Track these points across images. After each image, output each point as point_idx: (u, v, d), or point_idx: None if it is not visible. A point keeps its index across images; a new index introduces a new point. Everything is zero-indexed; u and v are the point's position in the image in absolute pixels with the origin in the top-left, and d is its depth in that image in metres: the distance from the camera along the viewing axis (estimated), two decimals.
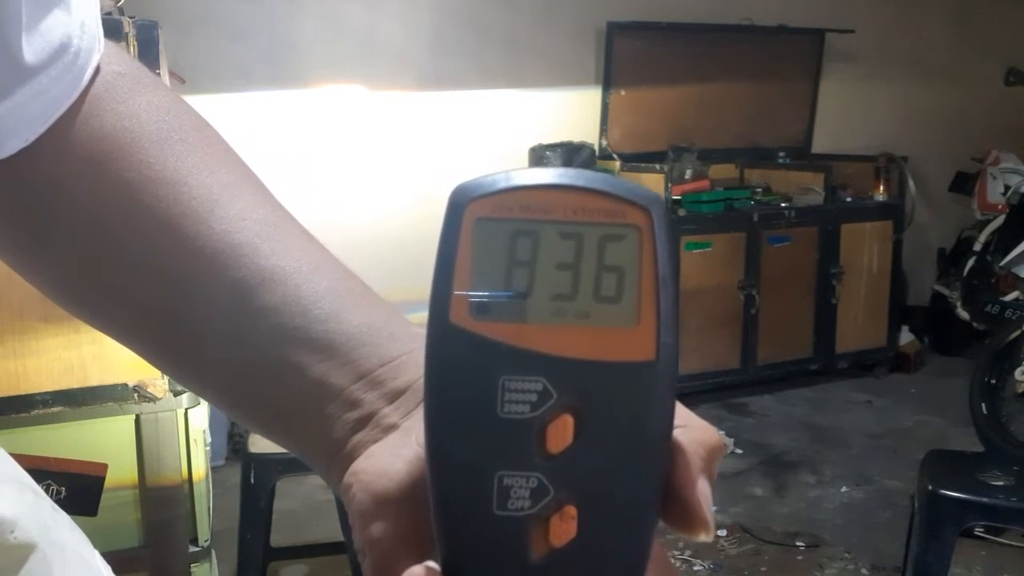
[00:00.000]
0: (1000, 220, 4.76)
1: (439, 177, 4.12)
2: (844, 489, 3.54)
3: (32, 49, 0.43)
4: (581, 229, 0.32)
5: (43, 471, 1.76)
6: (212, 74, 3.88)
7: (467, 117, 4.48)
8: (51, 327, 1.80)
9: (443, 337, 0.31)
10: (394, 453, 0.37)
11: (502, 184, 0.32)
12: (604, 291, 0.32)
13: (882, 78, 5.44)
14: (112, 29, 1.73)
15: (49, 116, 0.44)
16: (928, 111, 5.55)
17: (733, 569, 2.95)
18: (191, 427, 1.93)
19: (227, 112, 3.83)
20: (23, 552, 0.44)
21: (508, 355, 0.31)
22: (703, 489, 0.32)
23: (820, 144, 5.36)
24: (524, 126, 4.56)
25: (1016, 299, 4.59)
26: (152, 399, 1.86)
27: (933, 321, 5.27)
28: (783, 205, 4.67)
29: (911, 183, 4.96)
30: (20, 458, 0.50)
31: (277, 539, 2.48)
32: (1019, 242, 4.49)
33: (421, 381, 0.33)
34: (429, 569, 0.32)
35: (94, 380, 1.85)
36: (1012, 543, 2.99)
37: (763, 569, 2.95)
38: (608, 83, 4.71)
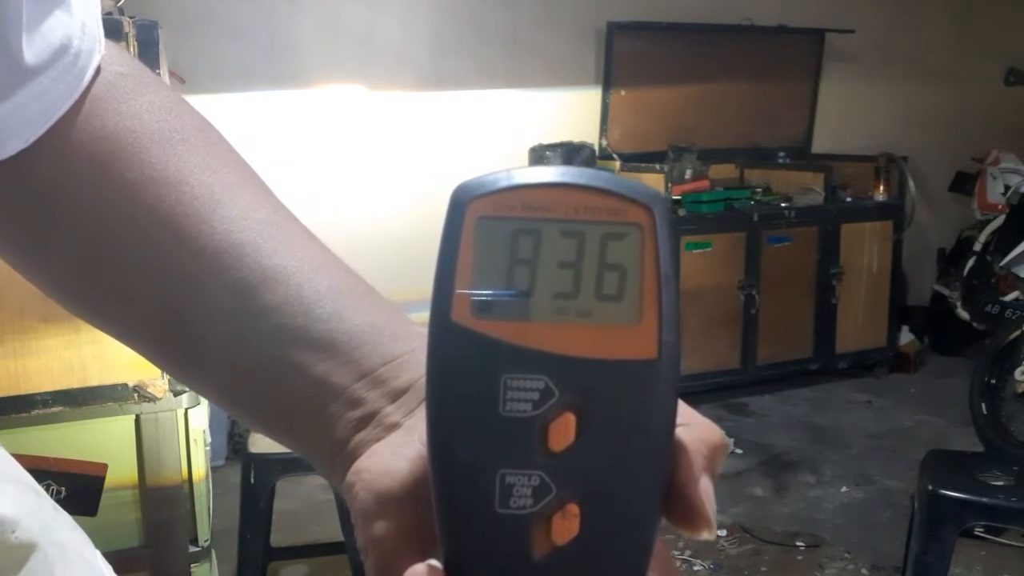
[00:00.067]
0: (1000, 220, 4.76)
1: (439, 177, 4.12)
2: (844, 489, 3.54)
3: (32, 50, 0.43)
4: (583, 227, 0.32)
5: (43, 471, 1.76)
6: (212, 74, 3.88)
7: (467, 117, 4.48)
8: (51, 327, 1.80)
9: (445, 336, 0.31)
10: (396, 452, 0.37)
11: (504, 183, 0.32)
12: (606, 289, 0.32)
13: (882, 78, 5.44)
14: (112, 29, 1.73)
15: (49, 117, 0.44)
16: (928, 111, 5.55)
17: (733, 569, 2.95)
18: (191, 427, 1.93)
19: (227, 112, 3.83)
20: (24, 552, 0.44)
21: (510, 353, 0.31)
22: (706, 487, 0.32)
23: (820, 144, 5.36)
24: (524, 126, 4.56)
25: (1016, 299, 4.59)
26: (152, 399, 1.86)
27: (933, 321, 5.27)
28: (783, 205, 4.67)
29: (911, 183, 4.96)
30: (20, 458, 0.50)
31: (277, 539, 2.48)
32: (1019, 242, 4.49)
33: (423, 380, 0.33)
34: (431, 567, 0.32)
35: (94, 380, 1.85)
36: (1012, 543, 2.99)
37: (763, 569, 2.95)
38: (608, 83, 4.71)
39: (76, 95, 0.45)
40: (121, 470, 1.88)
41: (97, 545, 0.51)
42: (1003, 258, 4.54)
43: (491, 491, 0.31)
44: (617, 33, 4.62)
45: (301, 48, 4.15)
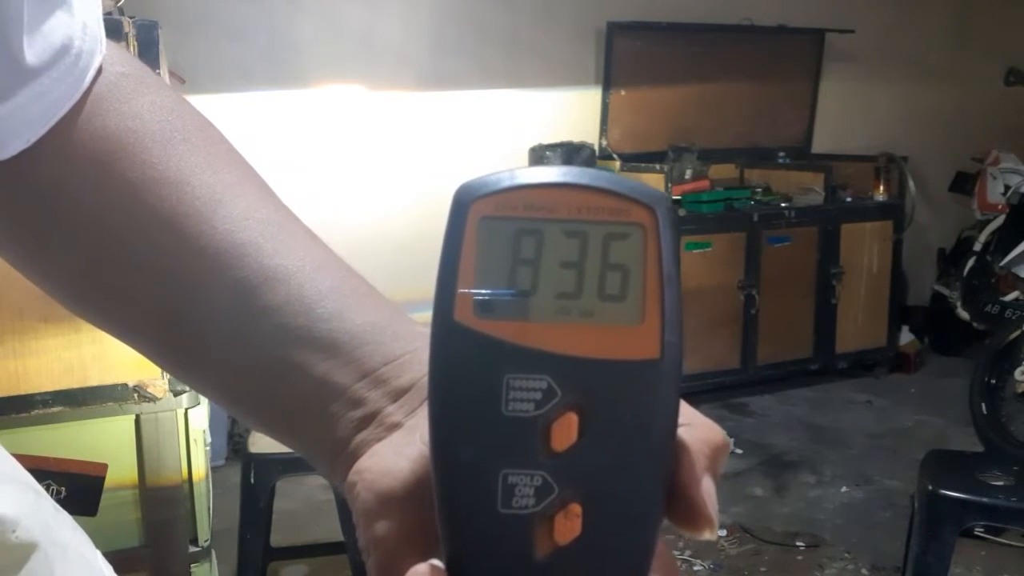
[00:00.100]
0: (1000, 220, 4.76)
1: (439, 177, 4.12)
2: (844, 489, 3.54)
3: (34, 50, 0.43)
4: (585, 227, 0.32)
5: (43, 471, 1.76)
6: (212, 74, 3.88)
7: (467, 117, 4.48)
8: (51, 327, 1.80)
9: (447, 336, 0.31)
10: (398, 452, 0.37)
11: (506, 183, 0.32)
12: (608, 289, 0.32)
13: (882, 78, 5.44)
14: (112, 29, 1.73)
15: (51, 117, 0.44)
16: (928, 111, 5.55)
17: (733, 569, 2.95)
18: (191, 427, 1.93)
19: (227, 112, 3.83)
20: (25, 551, 0.44)
21: (512, 353, 0.31)
22: (708, 487, 0.32)
23: (820, 144, 5.36)
24: (524, 126, 4.56)
25: (1016, 299, 4.59)
26: (152, 399, 1.86)
27: (933, 321, 5.27)
28: (783, 205, 4.67)
29: (911, 183, 4.96)
30: (20, 458, 0.50)
31: (277, 539, 2.48)
32: (1019, 242, 4.49)
33: (425, 379, 0.33)
34: (433, 567, 0.32)
35: (94, 380, 1.85)
36: (1012, 543, 2.99)
37: (763, 569, 2.95)
38: (608, 83, 4.71)
39: (77, 95, 0.45)
40: (121, 470, 1.88)
41: (97, 545, 0.51)
42: (1003, 258, 4.54)
43: (493, 491, 0.31)
44: (617, 33, 4.62)
45: (301, 48, 4.15)
